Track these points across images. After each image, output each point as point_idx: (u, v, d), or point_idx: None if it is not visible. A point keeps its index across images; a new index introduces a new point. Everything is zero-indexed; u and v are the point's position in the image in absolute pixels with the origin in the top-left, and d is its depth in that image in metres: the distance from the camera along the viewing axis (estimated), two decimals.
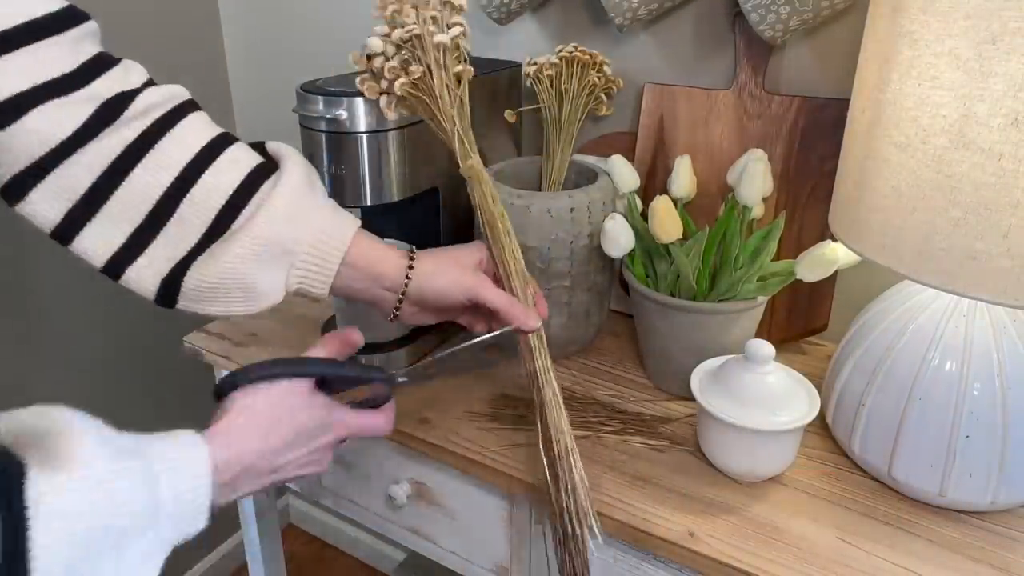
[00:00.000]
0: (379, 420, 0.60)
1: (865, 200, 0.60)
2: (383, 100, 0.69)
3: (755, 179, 0.74)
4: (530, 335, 0.63)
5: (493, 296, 0.60)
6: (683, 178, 0.82)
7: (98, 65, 0.53)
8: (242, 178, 0.56)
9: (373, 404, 0.62)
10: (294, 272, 0.58)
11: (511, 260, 0.64)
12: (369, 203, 0.77)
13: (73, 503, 0.38)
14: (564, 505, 0.60)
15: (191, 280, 0.55)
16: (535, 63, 0.86)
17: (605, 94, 0.87)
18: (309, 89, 0.73)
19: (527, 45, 1.00)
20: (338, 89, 0.73)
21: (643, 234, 0.78)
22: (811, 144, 0.82)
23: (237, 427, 0.51)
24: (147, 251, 0.54)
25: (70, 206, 0.52)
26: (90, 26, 0.54)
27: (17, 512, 0.36)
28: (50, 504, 0.37)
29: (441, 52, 0.65)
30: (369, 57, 0.68)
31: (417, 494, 0.81)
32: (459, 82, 0.67)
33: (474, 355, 0.67)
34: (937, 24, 0.51)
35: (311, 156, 0.75)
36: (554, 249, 0.79)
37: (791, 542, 0.62)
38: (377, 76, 0.68)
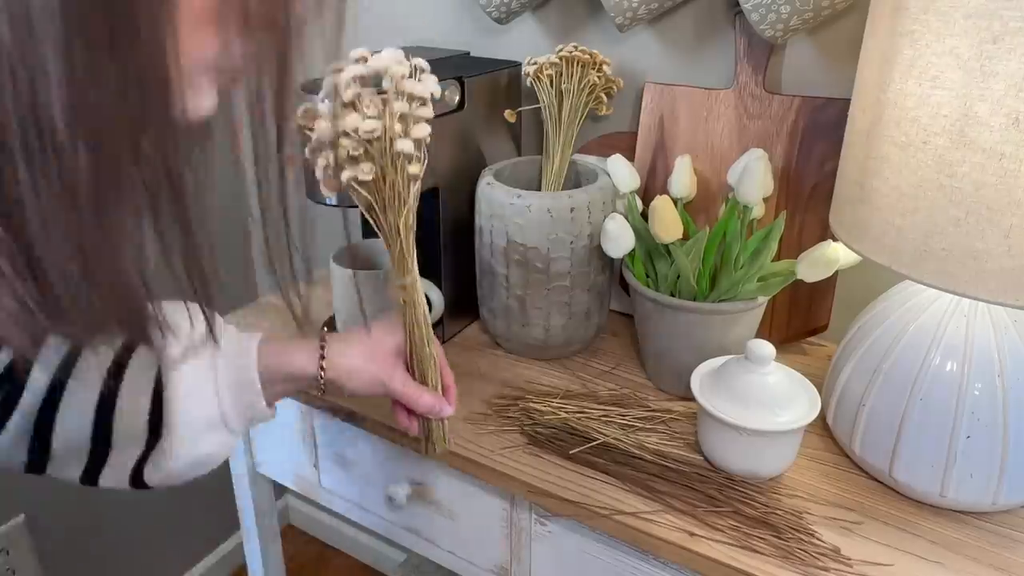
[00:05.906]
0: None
1: (866, 200, 0.60)
2: (320, 171, 0.55)
3: (755, 179, 0.74)
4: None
5: (402, 391, 0.63)
6: (683, 178, 0.82)
7: None
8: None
9: None
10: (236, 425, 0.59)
11: (429, 368, 0.64)
12: None
13: None
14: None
15: (153, 479, 0.56)
16: (535, 63, 0.85)
17: (605, 94, 0.87)
18: (308, 88, 0.73)
19: (527, 44, 1.00)
20: None
21: (643, 234, 0.78)
22: (812, 144, 0.82)
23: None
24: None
25: None
26: None
27: None
28: None
29: (400, 158, 0.54)
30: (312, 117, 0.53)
31: (417, 494, 0.81)
32: (411, 185, 0.56)
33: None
34: (937, 23, 0.51)
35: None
36: (554, 249, 0.79)
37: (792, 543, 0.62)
38: (319, 147, 0.55)
